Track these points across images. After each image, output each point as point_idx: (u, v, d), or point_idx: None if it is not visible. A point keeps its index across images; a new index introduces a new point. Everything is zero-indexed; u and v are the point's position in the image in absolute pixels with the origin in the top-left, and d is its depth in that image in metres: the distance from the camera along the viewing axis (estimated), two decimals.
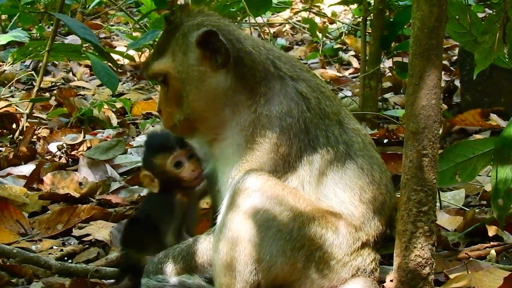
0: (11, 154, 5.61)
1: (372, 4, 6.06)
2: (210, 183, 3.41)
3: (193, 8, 3.34)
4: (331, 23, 9.97)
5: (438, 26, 2.71)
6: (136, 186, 4.91)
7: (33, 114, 6.59)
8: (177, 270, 3.16)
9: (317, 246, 3.00)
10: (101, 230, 4.15)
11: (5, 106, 6.46)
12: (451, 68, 7.35)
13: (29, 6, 8.70)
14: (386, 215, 3.18)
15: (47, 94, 7.76)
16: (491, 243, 3.59)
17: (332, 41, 9.02)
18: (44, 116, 6.90)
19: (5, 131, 6.39)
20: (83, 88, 8.16)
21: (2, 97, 6.73)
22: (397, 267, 2.87)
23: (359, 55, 7.03)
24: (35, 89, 6.25)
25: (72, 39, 8.87)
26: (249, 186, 2.97)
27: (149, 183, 3.52)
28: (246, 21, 6.19)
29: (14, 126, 6.36)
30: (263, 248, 2.95)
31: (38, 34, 9.28)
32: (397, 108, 6.29)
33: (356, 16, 8.79)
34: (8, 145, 6.00)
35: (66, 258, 3.91)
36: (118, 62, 7.40)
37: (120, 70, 8.42)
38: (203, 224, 3.61)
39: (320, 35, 8.86)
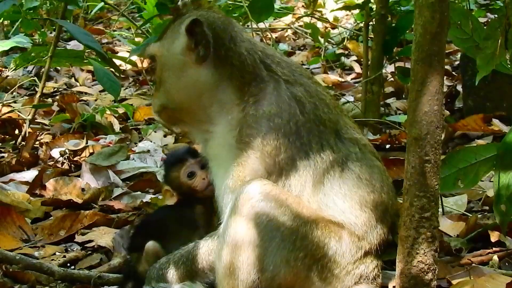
0: (14, 160, 5.61)
1: (374, 9, 6.06)
2: None
3: (204, 2, 3.38)
4: (333, 28, 9.95)
5: (440, 32, 2.70)
6: (139, 192, 4.91)
7: (36, 120, 6.59)
8: (179, 276, 3.16)
9: (320, 255, 2.98)
10: (104, 236, 4.14)
11: (8, 112, 6.47)
12: (453, 73, 7.34)
13: (32, 12, 8.68)
14: (388, 223, 3.17)
15: (50, 100, 7.76)
16: (494, 248, 3.57)
17: (334, 46, 9.02)
18: (46, 121, 6.90)
19: (7, 137, 6.39)
20: (86, 93, 8.16)
21: (4, 102, 6.74)
22: (399, 273, 2.86)
23: (361, 60, 7.05)
24: (38, 94, 6.25)
25: (74, 45, 8.85)
26: (253, 196, 2.94)
27: (170, 197, 3.64)
28: (248, 26, 6.19)
29: (16, 132, 6.37)
30: (267, 258, 2.93)
31: (40, 40, 9.28)
32: (400, 113, 6.27)
33: (358, 21, 8.80)
34: (11, 151, 5.99)
35: (69, 265, 3.90)
36: (120, 68, 7.41)
37: (123, 76, 8.40)
38: None
39: (322, 40, 8.85)
